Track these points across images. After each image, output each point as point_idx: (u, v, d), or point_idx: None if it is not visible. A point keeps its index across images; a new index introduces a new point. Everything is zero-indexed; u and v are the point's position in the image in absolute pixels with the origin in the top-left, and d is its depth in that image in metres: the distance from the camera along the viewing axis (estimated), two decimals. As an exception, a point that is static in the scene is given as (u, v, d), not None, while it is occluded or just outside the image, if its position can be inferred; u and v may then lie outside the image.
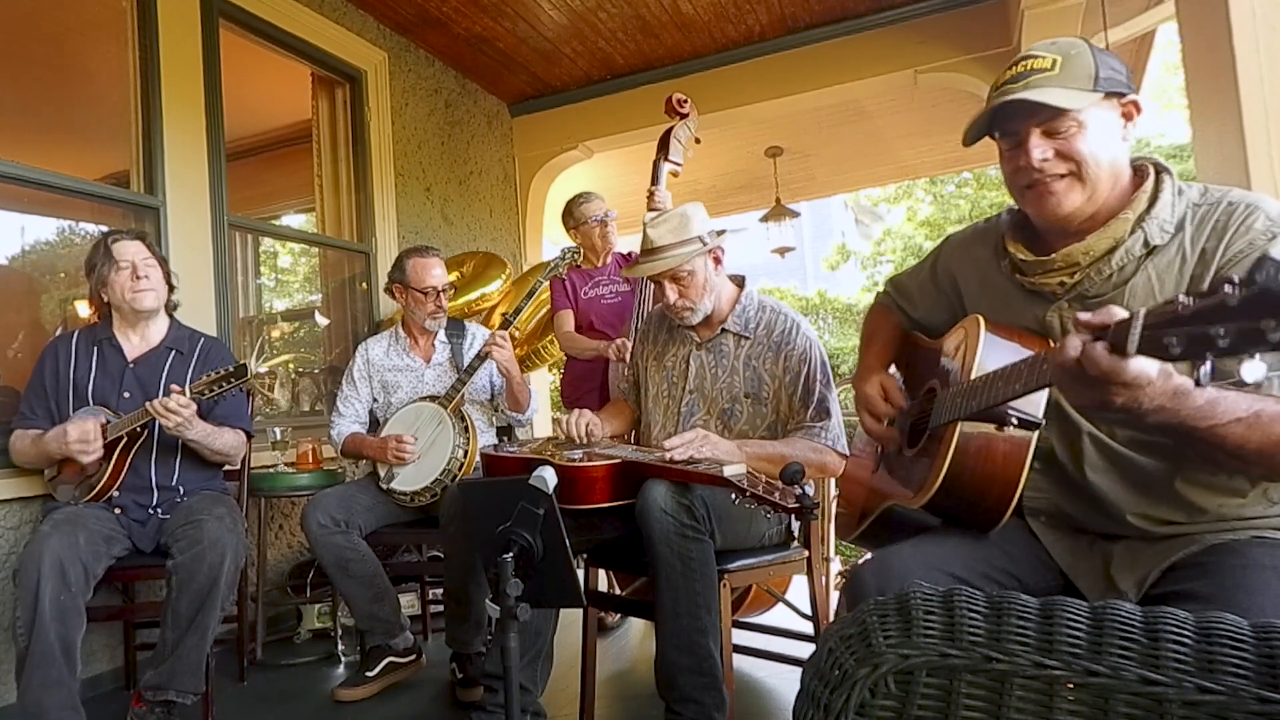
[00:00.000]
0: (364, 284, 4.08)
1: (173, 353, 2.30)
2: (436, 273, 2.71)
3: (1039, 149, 1.14)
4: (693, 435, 1.76)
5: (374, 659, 2.45)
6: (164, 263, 2.33)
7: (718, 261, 2.01)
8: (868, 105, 5.37)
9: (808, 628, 2.18)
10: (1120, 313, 0.86)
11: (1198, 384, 0.77)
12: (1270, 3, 1.97)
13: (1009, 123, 1.17)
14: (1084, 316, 0.88)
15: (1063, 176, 1.14)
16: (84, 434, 2.04)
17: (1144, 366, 0.85)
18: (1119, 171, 1.16)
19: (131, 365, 2.26)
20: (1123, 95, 1.14)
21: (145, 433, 2.14)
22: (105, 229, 2.72)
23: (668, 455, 1.70)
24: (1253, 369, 0.73)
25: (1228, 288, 0.72)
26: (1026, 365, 1.03)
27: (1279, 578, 0.99)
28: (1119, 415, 0.93)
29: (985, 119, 1.18)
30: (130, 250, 2.23)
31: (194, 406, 2.03)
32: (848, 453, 1.92)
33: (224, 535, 2.01)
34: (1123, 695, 0.64)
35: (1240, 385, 0.97)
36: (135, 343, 2.29)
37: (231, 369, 1.99)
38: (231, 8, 3.35)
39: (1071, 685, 0.65)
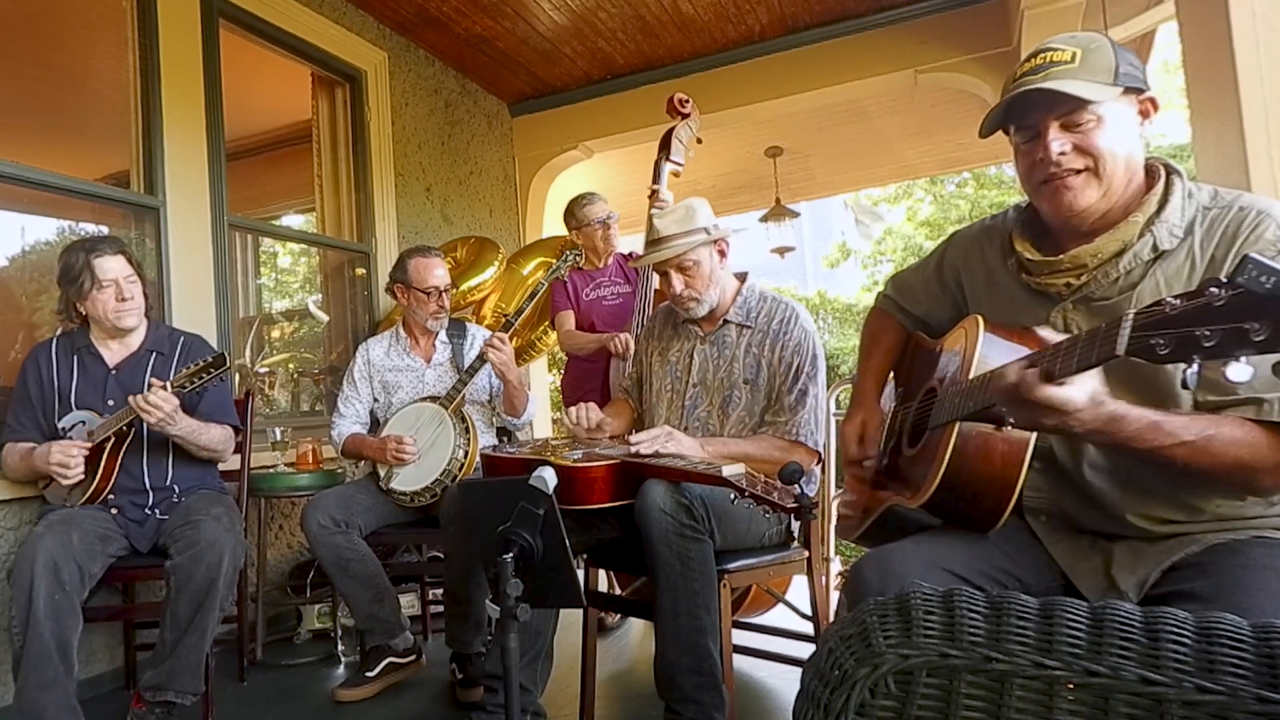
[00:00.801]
0: (360, 269, 4.07)
1: (154, 355, 2.29)
2: (439, 273, 2.71)
3: (1057, 142, 1.12)
4: (658, 431, 1.82)
5: (374, 659, 2.45)
6: (142, 271, 2.29)
7: (723, 254, 2.04)
8: (868, 105, 5.37)
9: (808, 628, 2.18)
10: (1055, 336, 0.94)
11: (1184, 385, 0.78)
12: (1270, 3, 1.97)
13: (1027, 115, 1.15)
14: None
15: (1079, 172, 1.13)
16: (64, 459, 2.03)
17: (1068, 394, 0.91)
18: (1134, 170, 1.14)
19: (113, 372, 2.24)
20: (1141, 91, 1.13)
21: (132, 432, 2.13)
22: (105, 229, 2.72)
23: (633, 449, 1.74)
24: (1238, 370, 0.73)
25: (1213, 289, 0.73)
26: (979, 381, 1.07)
27: (1279, 578, 0.99)
28: (1052, 433, 0.99)
29: (1003, 109, 1.16)
30: (113, 268, 2.18)
31: (176, 401, 2.02)
32: (819, 449, 1.94)
33: (222, 535, 2.01)
34: (1123, 695, 0.64)
35: (1229, 395, 1.01)
36: (115, 349, 2.27)
37: (210, 359, 1.99)
38: (231, 8, 3.35)
39: (1071, 685, 0.65)
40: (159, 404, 1.98)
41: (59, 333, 2.36)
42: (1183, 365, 0.77)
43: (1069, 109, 1.11)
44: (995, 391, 1.00)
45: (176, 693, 2.00)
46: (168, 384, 2.01)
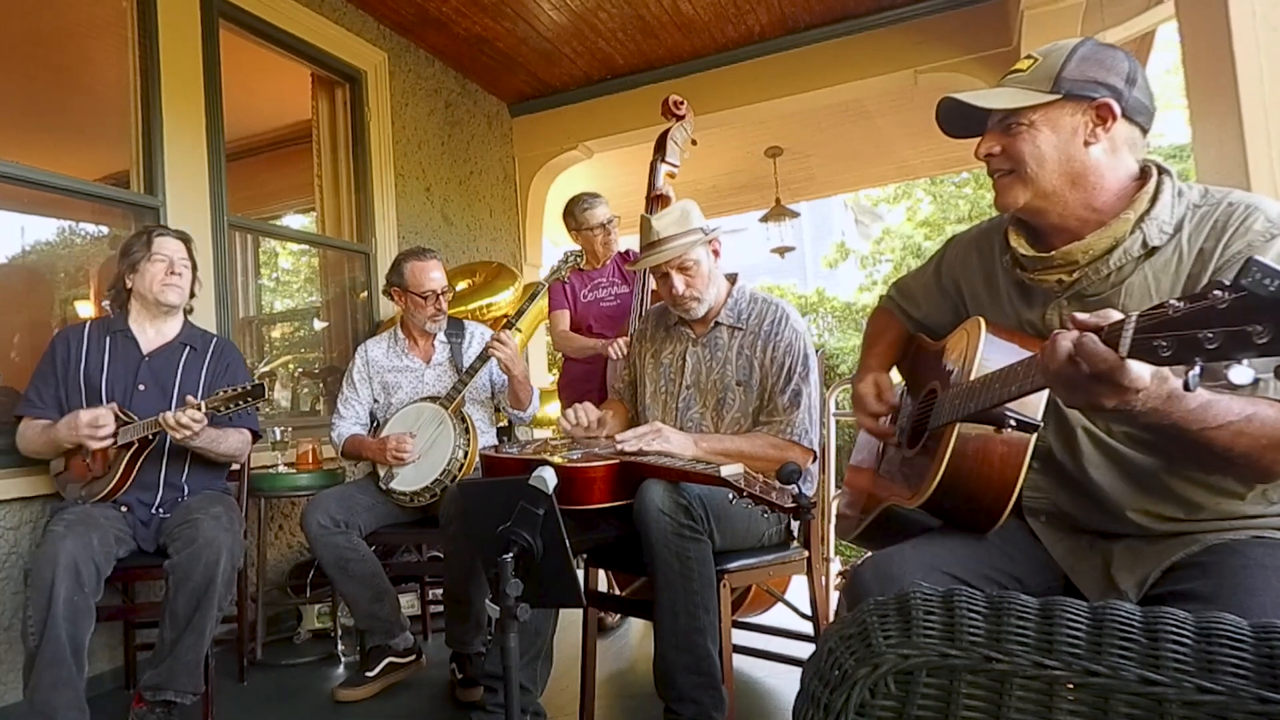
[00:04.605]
0: (363, 294, 4.08)
1: (187, 349, 2.32)
2: (435, 275, 2.70)
3: (985, 145, 1.21)
4: (645, 429, 1.82)
5: (374, 659, 2.45)
6: (195, 269, 2.35)
7: (716, 254, 2.06)
8: (868, 105, 5.37)
9: (808, 628, 2.18)
10: (1115, 315, 0.86)
11: (1186, 387, 0.77)
12: (1270, 3, 1.97)
13: (972, 120, 1.22)
14: (1080, 317, 0.89)
15: (1008, 173, 1.19)
16: (95, 417, 2.05)
17: (1140, 369, 0.85)
18: (1082, 173, 1.14)
19: (147, 358, 2.26)
20: (1092, 98, 1.12)
21: (156, 440, 2.15)
22: (105, 229, 2.72)
23: (619, 447, 1.74)
24: (1240, 373, 0.72)
25: (1217, 291, 0.72)
26: (1022, 366, 1.04)
27: (1279, 577, 0.99)
28: (1110, 416, 0.94)
29: (941, 117, 1.24)
30: (171, 247, 2.27)
31: (205, 422, 2.03)
32: (815, 448, 1.94)
33: (220, 534, 2.01)
34: (1123, 695, 0.64)
35: (1231, 388, 0.98)
36: (151, 336, 2.30)
37: (249, 388, 1.99)
38: (231, 8, 3.35)
39: (1071, 685, 0.65)
40: (189, 425, 2.00)
41: (91, 318, 2.37)
42: (1184, 367, 0.77)
43: (1003, 115, 1.17)
44: (1051, 371, 0.92)
45: (176, 692, 2.00)
46: (202, 404, 2.01)
